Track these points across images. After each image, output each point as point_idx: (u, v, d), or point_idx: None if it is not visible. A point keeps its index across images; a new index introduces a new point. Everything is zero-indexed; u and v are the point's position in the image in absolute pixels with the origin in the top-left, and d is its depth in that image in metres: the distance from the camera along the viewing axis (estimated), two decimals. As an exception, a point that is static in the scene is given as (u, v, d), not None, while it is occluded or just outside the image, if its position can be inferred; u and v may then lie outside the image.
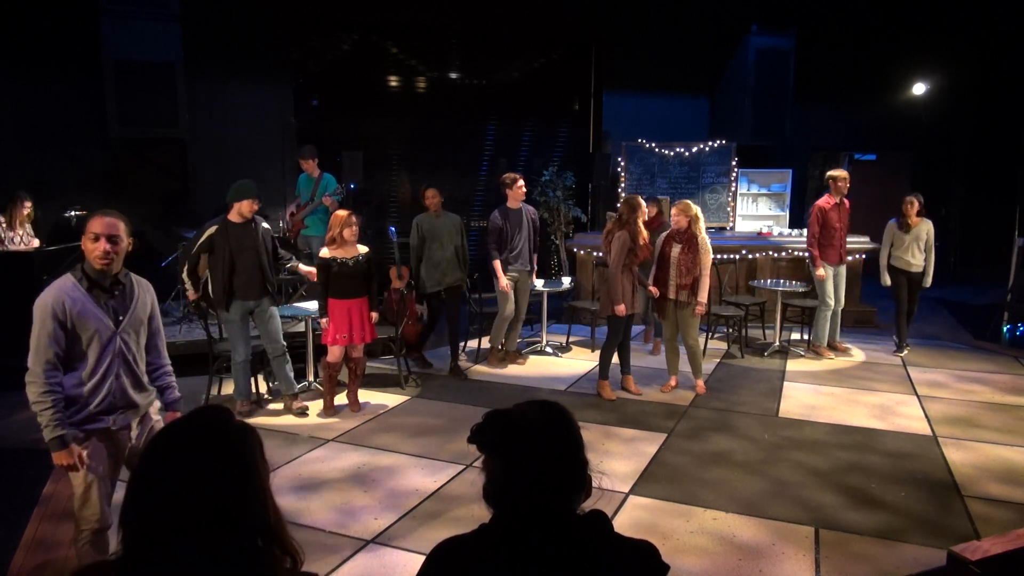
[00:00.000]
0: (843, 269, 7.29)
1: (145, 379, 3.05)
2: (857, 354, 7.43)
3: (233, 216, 5.26)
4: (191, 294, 5.48)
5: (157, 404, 3.17)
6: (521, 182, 6.83)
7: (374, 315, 5.68)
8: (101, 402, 2.89)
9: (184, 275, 5.41)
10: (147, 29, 7.94)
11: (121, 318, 2.93)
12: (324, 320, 5.57)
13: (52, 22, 7.97)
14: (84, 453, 2.85)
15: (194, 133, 8.56)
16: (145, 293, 3.07)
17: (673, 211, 6.06)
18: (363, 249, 5.64)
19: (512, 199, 6.78)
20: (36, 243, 7.08)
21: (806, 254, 8.53)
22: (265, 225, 5.46)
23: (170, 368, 3.19)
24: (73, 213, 7.45)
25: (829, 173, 7.32)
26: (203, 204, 8.94)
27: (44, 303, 2.82)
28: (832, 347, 7.47)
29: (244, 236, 5.25)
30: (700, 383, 6.24)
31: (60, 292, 2.83)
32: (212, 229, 5.23)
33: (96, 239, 2.86)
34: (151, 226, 8.60)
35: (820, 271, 7.10)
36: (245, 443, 1.30)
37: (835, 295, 7.26)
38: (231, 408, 5.30)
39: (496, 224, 6.76)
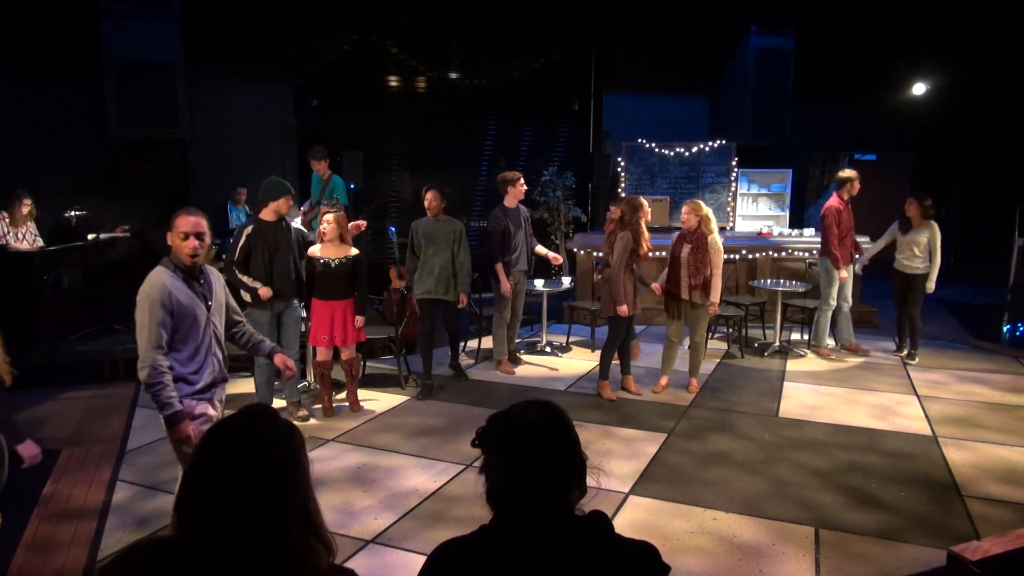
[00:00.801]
0: (851, 269, 7.33)
1: (226, 356, 3.45)
2: (867, 353, 7.41)
3: (267, 215, 5.14)
4: (263, 291, 5.06)
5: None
6: (522, 180, 6.74)
7: (359, 319, 5.55)
8: (204, 378, 3.26)
9: (240, 276, 5.06)
10: (147, 29, 7.93)
11: (209, 303, 3.29)
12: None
13: (52, 22, 7.97)
14: (194, 427, 3.15)
15: (194, 133, 8.55)
16: (217, 280, 3.42)
17: (684, 210, 6.05)
18: (353, 251, 5.54)
19: (512, 198, 6.67)
20: (41, 243, 7.07)
21: (804, 254, 8.58)
22: (296, 224, 5.40)
23: (246, 324, 3.66)
24: (73, 213, 7.45)
25: (844, 174, 7.26)
26: (203, 204, 8.85)
27: (151, 294, 3.10)
28: (848, 348, 7.44)
29: (279, 235, 5.15)
30: (694, 382, 6.25)
31: (163, 283, 3.13)
32: (249, 229, 5.10)
33: (185, 237, 3.18)
34: (151, 226, 8.60)
35: (843, 273, 7.11)
36: (288, 441, 1.38)
37: (845, 295, 7.26)
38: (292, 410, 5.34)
39: (499, 225, 6.59)
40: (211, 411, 3.31)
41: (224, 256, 7.55)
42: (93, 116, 8.06)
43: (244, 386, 6.21)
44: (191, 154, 8.91)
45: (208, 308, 3.28)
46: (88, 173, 8.45)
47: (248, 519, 1.28)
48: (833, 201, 7.18)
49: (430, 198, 6.16)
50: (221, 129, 8.94)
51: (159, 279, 3.13)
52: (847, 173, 7.27)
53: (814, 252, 8.62)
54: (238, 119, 9.05)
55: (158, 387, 3.09)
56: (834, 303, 7.25)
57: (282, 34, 9.28)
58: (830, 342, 7.52)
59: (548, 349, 7.47)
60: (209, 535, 1.28)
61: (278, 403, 5.84)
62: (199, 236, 3.19)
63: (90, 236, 7.09)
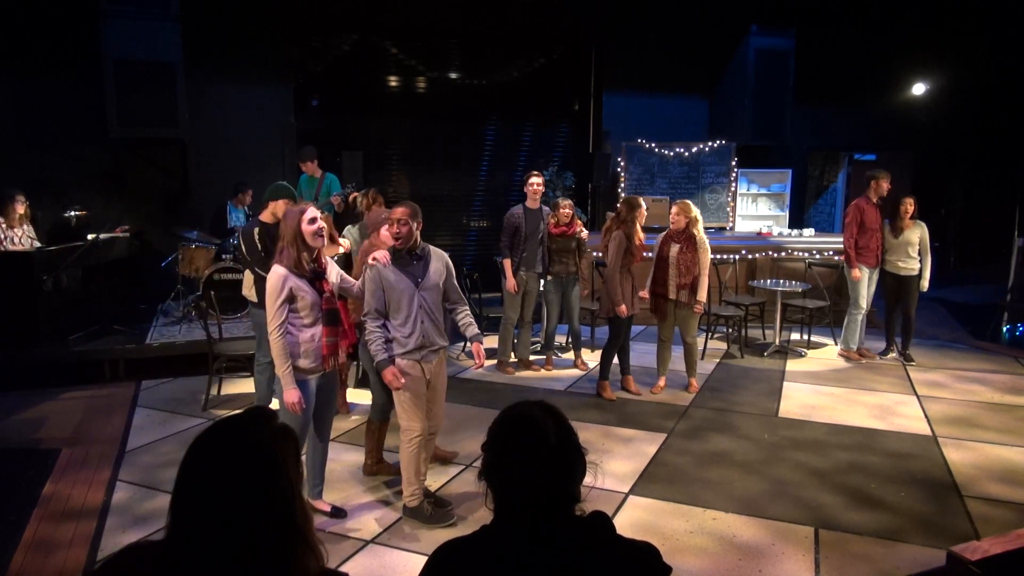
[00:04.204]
0: (876, 273, 7.17)
1: (441, 327, 3.96)
2: (874, 358, 7.32)
3: (266, 216, 5.10)
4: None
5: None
6: (533, 179, 6.56)
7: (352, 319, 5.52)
8: (414, 341, 3.82)
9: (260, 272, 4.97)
10: (147, 29, 7.93)
11: (420, 280, 3.84)
12: None
13: (51, 22, 7.97)
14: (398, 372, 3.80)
15: (194, 133, 8.55)
16: (438, 261, 3.96)
17: (673, 210, 6.07)
18: (342, 249, 5.41)
19: (529, 198, 6.54)
20: (38, 244, 7.04)
21: (804, 254, 8.57)
22: None
23: (466, 309, 4.12)
24: (73, 213, 7.45)
25: (874, 173, 7.13)
26: (203, 204, 8.93)
27: (370, 274, 3.84)
28: (858, 352, 7.36)
29: (276, 237, 5.15)
30: (693, 382, 6.26)
31: (375, 267, 3.83)
32: (256, 231, 5.04)
33: (391, 225, 3.85)
34: (151, 226, 8.60)
35: (856, 271, 7.01)
36: (277, 445, 1.37)
37: (867, 298, 7.18)
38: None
39: (513, 222, 6.51)
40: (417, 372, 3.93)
41: (225, 257, 7.57)
42: (93, 116, 8.05)
43: (245, 386, 6.21)
44: (191, 154, 8.91)
45: (417, 284, 3.84)
46: (88, 173, 8.45)
47: (231, 522, 1.28)
48: (859, 199, 7.09)
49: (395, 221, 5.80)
50: (221, 129, 8.94)
51: (374, 263, 3.88)
52: (876, 173, 7.13)
53: (814, 252, 8.64)
54: (238, 119, 9.04)
55: (371, 343, 3.86)
56: (864, 304, 7.13)
57: (282, 34, 9.28)
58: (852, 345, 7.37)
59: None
60: (194, 538, 1.28)
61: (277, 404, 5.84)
62: (401, 223, 3.81)
63: (90, 236, 7.08)
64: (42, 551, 3.68)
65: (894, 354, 7.26)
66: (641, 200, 5.98)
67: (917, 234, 6.95)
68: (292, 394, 3.61)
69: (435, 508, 4.01)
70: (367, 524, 3.97)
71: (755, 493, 4.35)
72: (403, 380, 3.81)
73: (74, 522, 3.98)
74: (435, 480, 4.48)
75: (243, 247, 5.07)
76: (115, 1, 7.82)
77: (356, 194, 6.81)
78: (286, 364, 3.61)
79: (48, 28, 7.97)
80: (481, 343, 4.06)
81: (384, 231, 4.22)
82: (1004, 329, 8.43)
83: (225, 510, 1.28)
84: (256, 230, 5.06)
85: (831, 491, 4.37)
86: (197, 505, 1.29)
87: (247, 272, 5.26)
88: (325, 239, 3.74)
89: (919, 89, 10.92)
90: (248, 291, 5.27)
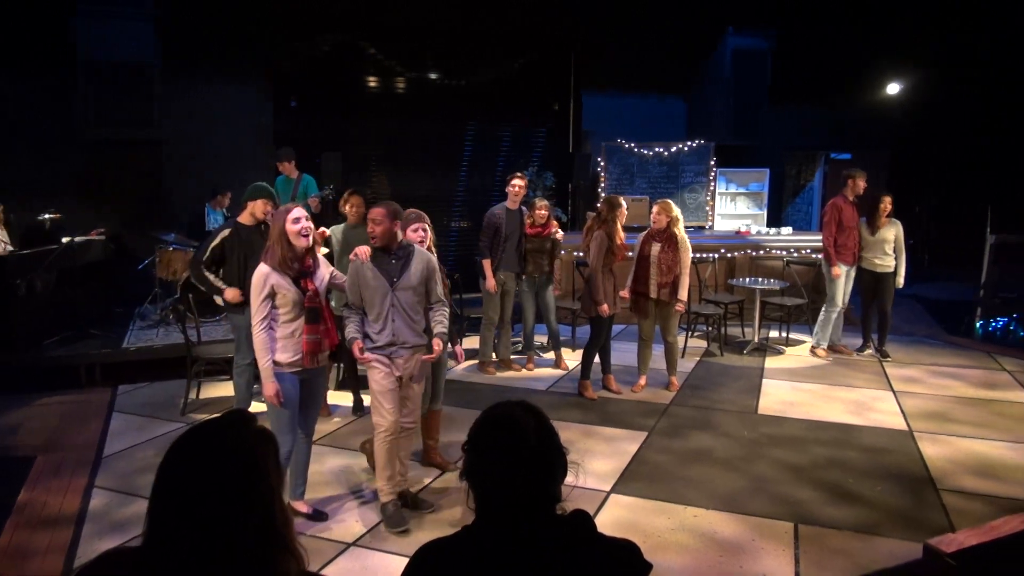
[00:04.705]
0: (853, 271, 7.23)
1: (417, 327, 3.97)
2: (851, 355, 7.39)
3: (244, 218, 5.06)
4: (230, 292, 4.91)
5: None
6: (516, 181, 6.54)
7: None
8: (383, 338, 3.88)
9: (206, 274, 4.95)
10: (122, 29, 7.85)
11: (396, 279, 3.86)
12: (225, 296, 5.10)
13: (22, 21, 7.84)
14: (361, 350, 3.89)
15: (170, 134, 8.47)
16: (420, 262, 3.96)
17: (654, 210, 6.11)
18: (323, 251, 5.31)
19: (509, 199, 6.54)
20: (12, 249, 6.93)
21: (782, 252, 8.66)
22: None
23: (444, 310, 4.08)
24: (47, 216, 7.34)
25: (851, 172, 7.20)
26: (180, 206, 8.84)
27: (350, 269, 3.92)
28: (835, 349, 7.43)
29: (255, 239, 5.02)
30: (674, 380, 6.30)
31: (355, 262, 3.89)
32: (224, 233, 5.01)
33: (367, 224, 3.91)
34: (128, 229, 8.50)
35: (836, 269, 7.07)
36: (256, 448, 1.36)
37: (844, 296, 7.25)
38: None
39: (494, 222, 6.50)
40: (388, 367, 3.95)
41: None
42: (66, 117, 7.95)
43: (225, 389, 6.15)
44: (167, 155, 8.82)
45: (392, 284, 3.87)
46: (62, 175, 8.33)
47: (210, 527, 1.26)
48: (837, 198, 7.18)
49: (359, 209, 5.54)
50: (198, 130, 8.85)
51: (353, 262, 3.94)
52: (854, 172, 7.20)
53: (792, 251, 8.73)
54: (215, 120, 8.96)
55: (347, 327, 3.97)
56: (840, 302, 7.21)
57: (260, 34, 9.21)
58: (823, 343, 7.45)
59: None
60: (172, 543, 1.27)
61: (258, 406, 5.79)
62: (376, 222, 3.83)
63: (64, 239, 6.99)
64: (18, 559, 3.62)
65: (871, 350, 7.36)
66: (622, 200, 6.01)
67: (892, 232, 7.05)
68: (270, 387, 3.70)
69: (398, 510, 3.98)
70: (349, 526, 3.95)
71: (735, 490, 4.38)
72: (368, 356, 3.87)
73: (50, 530, 3.92)
74: (417, 482, 4.47)
75: (203, 245, 5.07)
76: (89, 0, 7.73)
77: (332, 195, 6.81)
78: (266, 358, 3.71)
79: (19, 27, 7.84)
80: (441, 340, 4.00)
81: (409, 232, 4.25)
82: (977, 325, 8.58)
83: (204, 514, 1.27)
84: (226, 232, 5.03)
85: (810, 486, 4.42)
86: (175, 509, 1.28)
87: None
88: (310, 239, 3.75)
89: (894, 89, 11.07)
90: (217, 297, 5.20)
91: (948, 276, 11.50)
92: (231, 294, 4.97)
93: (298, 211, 3.75)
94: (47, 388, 6.21)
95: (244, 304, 4.97)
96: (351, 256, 3.96)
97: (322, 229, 5.60)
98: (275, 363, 3.73)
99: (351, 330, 3.91)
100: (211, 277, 4.99)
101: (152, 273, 7.63)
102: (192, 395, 5.89)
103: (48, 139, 8.15)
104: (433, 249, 4.46)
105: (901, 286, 7.18)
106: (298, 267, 3.75)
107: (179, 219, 8.66)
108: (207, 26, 8.73)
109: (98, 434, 5.31)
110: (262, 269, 3.72)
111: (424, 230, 4.30)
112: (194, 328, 5.98)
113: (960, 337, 8.17)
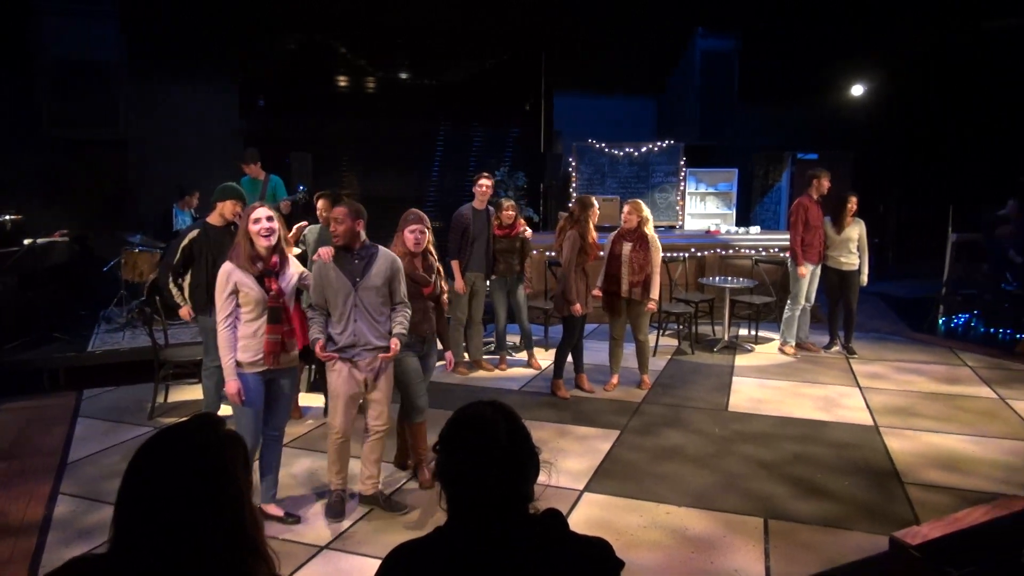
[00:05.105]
0: (819, 269, 7.33)
1: (380, 328, 3.92)
2: (819, 352, 7.49)
3: (213, 218, 5.00)
4: (185, 311, 5.00)
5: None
6: (483, 181, 6.55)
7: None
8: (344, 339, 3.88)
9: (171, 285, 4.94)
10: (86, 27, 7.70)
11: (358, 279, 3.84)
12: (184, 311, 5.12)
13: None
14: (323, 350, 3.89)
15: (136, 133, 8.32)
16: (384, 262, 3.93)
17: (624, 209, 6.15)
18: (296, 251, 5.24)
19: (476, 199, 6.55)
20: None
21: (751, 251, 8.77)
22: None
23: (405, 311, 4.04)
24: (8, 218, 7.17)
25: (815, 172, 7.26)
26: (146, 206, 8.69)
27: (314, 269, 3.92)
28: (802, 347, 7.53)
29: (225, 240, 4.91)
30: (645, 378, 6.34)
31: (318, 262, 3.90)
32: (193, 234, 4.95)
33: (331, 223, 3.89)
34: (92, 230, 8.33)
35: (802, 269, 7.15)
36: (225, 453, 1.34)
37: (808, 294, 7.34)
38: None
39: (462, 222, 6.50)
40: (351, 371, 3.95)
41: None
42: (26, 115, 7.76)
43: (193, 392, 6.06)
44: (132, 155, 8.67)
45: (355, 284, 3.85)
46: (22, 175, 8.13)
47: (177, 532, 1.25)
48: (803, 198, 7.27)
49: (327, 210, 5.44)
50: (164, 130, 8.72)
51: (317, 261, 3.94)
52: (817, 171, 7.27)
53: (760, 250, 8.85)
54: (182, 120, 8.83)
55: (312, 325, 3.98)
56: (803, 301, 7.31)
57: (227, 33, 9.09)
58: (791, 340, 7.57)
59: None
60: (139, 549, 1.25)
61: (227, 410, 5.72)
62: (338, 221, 3.83)
63: (26, 241, 6.83)
64: (-21, 569, 3.54)
65: (838, 347, 7.48)
66: (594, 199, 6.04)
67: (857, 231, 7.18)
68: (231, 385, 3.70)
69: (340, 502, 4.06)
70: (321, 530, 3.92)
71: (706, 486, 4.43)
72: (329, 354, 3.87)
73: (13, 538, 3.83)
74: (389, 484, 4.45)
75: (171, 246, 5.03)
76: (51, -3, 7.58)
77: (305, 197, 6.74)
78: (228, 356, 3.70)
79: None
80: (400, 340, 3.94)
81: (407, 233, 4.23)
82: (940, 321, 8.77)
83: (171, 519, 1.25)
84: (194, 233, 4.97)
85: (779, 482, 4.49)
86: (142, 515, 1.26)
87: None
88: (272, 239, 3.71)
89: (858, 91, 11.26)
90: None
91: (912, 274, 11.73)
92: (184, 312, 5.05)
93: (260, 211, 3.72)
94: (9, 393, 6.07)
95: (209, 307, 4.92)
96: (314, 257, 3.96)
97: (300, 224, 5.59)
98: (237, 363, 3.71)
99: (314, 331, 3.90)
100: (174, 291, 4.99)
101: (118, 275, 7.49)
102: (160, 399, 5.79)
103: (9, 138, 7.95)
104: (432, 250, 4.46)
105: (866, 284, 7.31)
106: (262, 266, 3.72)
107: (146, 220, 8.52)
108: (173, 24, 8.59)
109: (62, 439, 5.20)
110: (225, 267, 3.72)
111: (423, 231, 4.28)
112: (161, 331, 5.88)
113: (923, 334, 8.35)
